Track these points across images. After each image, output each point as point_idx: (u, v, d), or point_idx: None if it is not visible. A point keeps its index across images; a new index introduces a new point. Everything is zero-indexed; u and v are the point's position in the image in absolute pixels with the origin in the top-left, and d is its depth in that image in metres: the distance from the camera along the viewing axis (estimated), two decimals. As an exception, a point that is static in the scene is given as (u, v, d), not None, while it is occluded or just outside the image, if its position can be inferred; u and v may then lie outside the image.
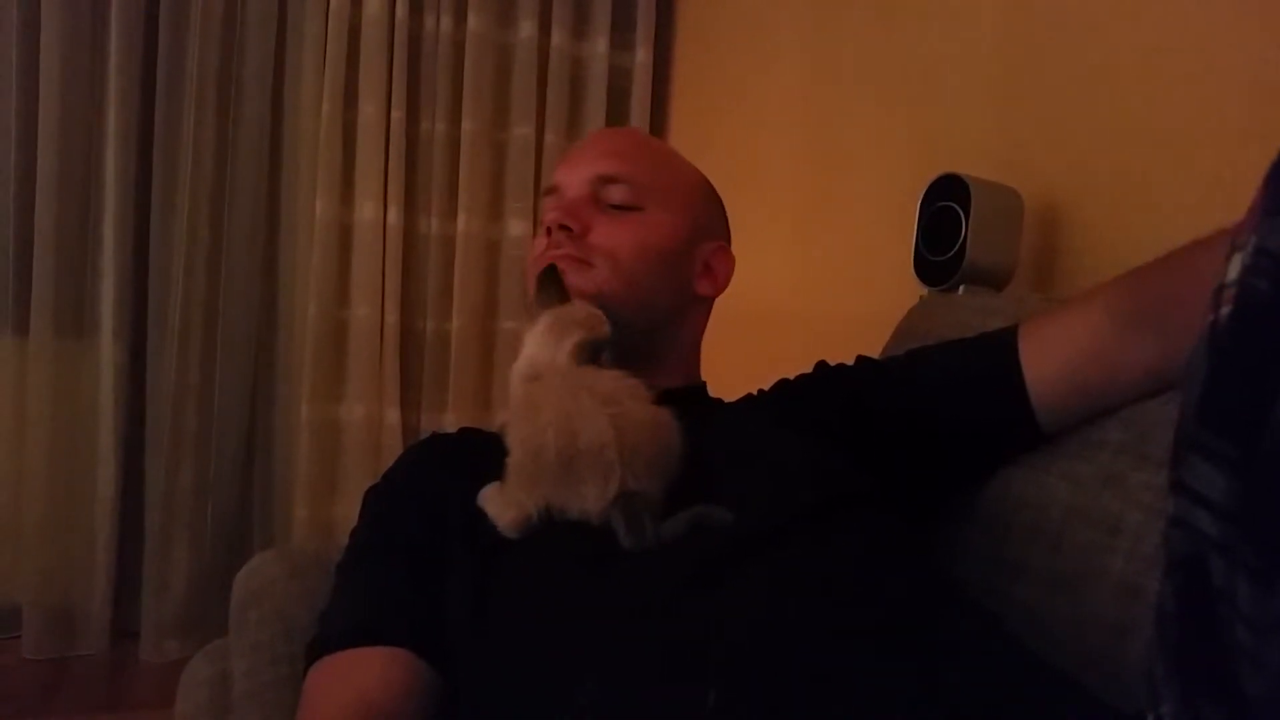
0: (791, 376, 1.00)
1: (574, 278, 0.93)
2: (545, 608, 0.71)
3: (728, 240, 1.08)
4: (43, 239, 2.19)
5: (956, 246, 1.23)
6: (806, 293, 1.92)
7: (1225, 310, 0.41)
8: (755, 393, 0.99)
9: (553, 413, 0.73)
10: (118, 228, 2.24)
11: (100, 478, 2.27)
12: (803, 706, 0.57)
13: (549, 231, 0.96)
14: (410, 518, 0.85)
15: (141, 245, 2.30)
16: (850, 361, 0.99)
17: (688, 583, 0.65)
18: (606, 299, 0.91)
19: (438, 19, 2.45)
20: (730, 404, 0.98)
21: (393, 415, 2.43)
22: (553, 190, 1.02)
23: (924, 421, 0.88)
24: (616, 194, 0.98)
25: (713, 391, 1.04)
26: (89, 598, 2.29)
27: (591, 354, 0.84)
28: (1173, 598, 0.43)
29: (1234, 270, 0.41)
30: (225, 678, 0.98)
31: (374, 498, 0.90)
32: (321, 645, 0.76)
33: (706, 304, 1.06)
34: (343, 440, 2.41)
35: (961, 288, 1.25)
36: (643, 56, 2.59)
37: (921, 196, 1.32)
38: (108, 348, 2.26)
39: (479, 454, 0.90)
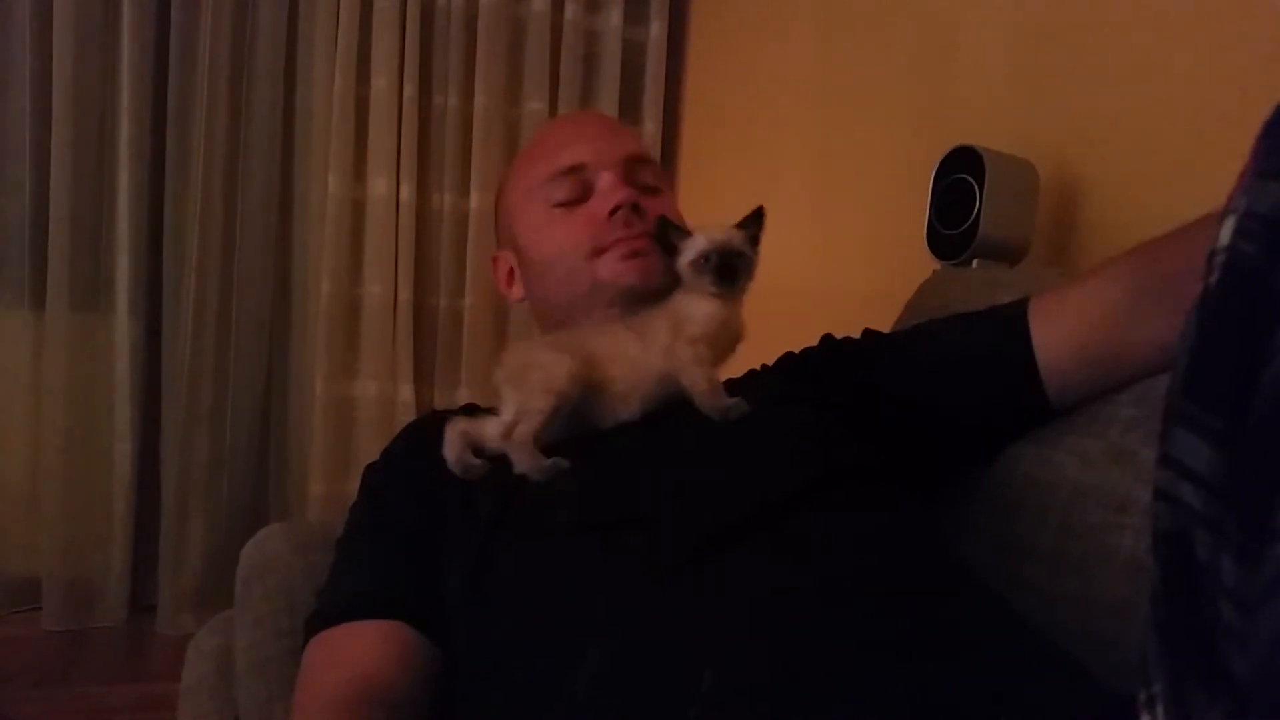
0: (796, 350, 0.99)
1: (653, 263, 0.93)
2: (544, 585, 0.71)
3: None
4: (58, 214, 2.20)
5: (970, 220, 1.21)
6: (819, 266, 1.90)
7: (1214, 277, 0.39)
8: (759, 367, 0.98)
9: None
10: (132, 204, 2.24)
11: (117, 453, 2.29)
12: (799, 688, 0.56)
13: (613, 211, 0.93)
14: (405, 495, 0.85)
15: (156, 221, 2.31)
16: (858, 335, 0.97)
17: (687, 560, 0.64)
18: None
19: (449, -8, 2.42)
20: (734, 379, 0.97)
21: (406, 392, 2.43)
22: (578, 168, 0.97)
23: (932, 395, 0.87)
24: (649, 175, 1.00)
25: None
26: (107, 571, 2.32)
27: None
28: (1160, 574, 0.42)
29: (1225, 235, 0.40)
30: (230, 651, 0.99)
31: (371, 475, 0.91)
32: (319, 620, 0.77)
33: None
34: (356, 416, 2.42)
35: (975, 262, 1.23)
36: (657, 29, 2.56)
37: (935, 169, 1.30)
38: (123, 323, 2.27)
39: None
